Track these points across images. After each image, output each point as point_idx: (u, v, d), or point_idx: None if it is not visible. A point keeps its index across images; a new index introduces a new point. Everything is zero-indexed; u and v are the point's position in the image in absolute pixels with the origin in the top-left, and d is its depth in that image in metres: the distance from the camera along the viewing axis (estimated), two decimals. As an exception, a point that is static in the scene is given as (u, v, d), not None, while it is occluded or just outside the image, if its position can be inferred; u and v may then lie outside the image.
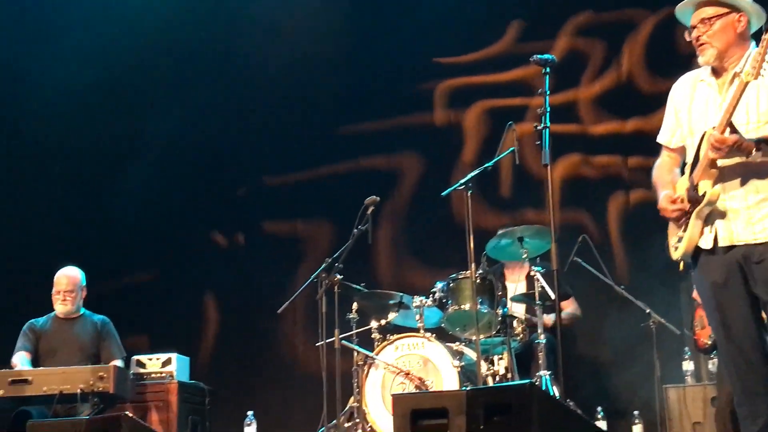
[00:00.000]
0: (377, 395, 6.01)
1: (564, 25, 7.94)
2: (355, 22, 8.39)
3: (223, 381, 7.53)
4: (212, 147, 8.53)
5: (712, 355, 5.95)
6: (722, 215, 3.79)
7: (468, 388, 4.18)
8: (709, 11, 3.88)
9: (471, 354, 6.08)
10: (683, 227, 3.89)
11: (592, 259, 6.48)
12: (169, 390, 6.64)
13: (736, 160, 3.75)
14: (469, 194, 5.67)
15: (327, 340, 6.00)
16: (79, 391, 5.74)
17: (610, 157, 7.75)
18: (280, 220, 8.41)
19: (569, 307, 6.74)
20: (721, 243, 3.79)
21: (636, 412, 6.63)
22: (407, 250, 8.01)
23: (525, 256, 6.24)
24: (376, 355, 6.08)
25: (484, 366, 5.94)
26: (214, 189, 8.50)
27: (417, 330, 6.16)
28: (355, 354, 6.18)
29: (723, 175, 3.78)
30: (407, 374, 5.99)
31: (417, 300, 6.26)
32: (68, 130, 8.56)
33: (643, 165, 7.17)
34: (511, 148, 5.78)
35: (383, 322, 6.35)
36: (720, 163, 3.76)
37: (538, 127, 4.44)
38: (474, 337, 5.84)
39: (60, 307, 6.52)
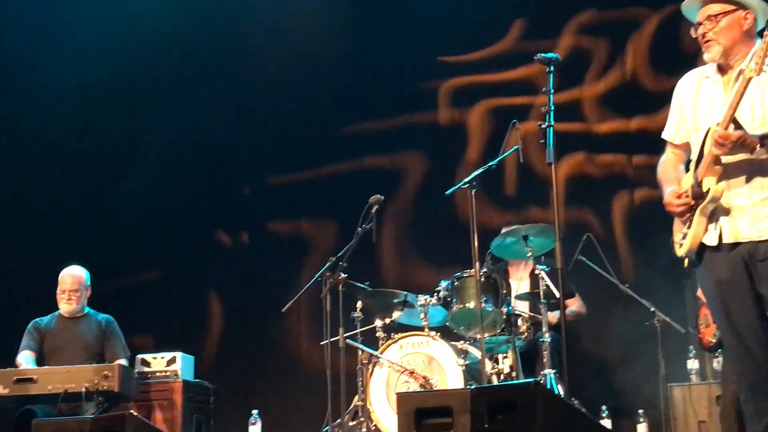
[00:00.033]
0: (382, 394, 6.01)
1: (567, 23, 7.94)
2: (358, 21, 8.40)
3: (228, 380, 7.55)
4: (216, 147, 8.54)
5: (716, 354, 5.94)
6: (726, 212, 3.78)
7: (472, 387, 4.17)
8: (716, 8, 3.87)
9: (475, 352, 6.08)
10: (687, 224, 3.89)
11: (597, 258, 6.47)
12: (174, 389, 6.64)
13: (741, 156, 3.74)
14: (473, 193, 5.67)
15: (331, 339, 6.00)
16: (83, 389, 5.75)
17: (615, 155, 7.74)
18: (284, 220, 8.42)
19: (574, 304, 6.74)
20: (726, 240, 3.78)
21: (641, 411, 6.62)
22: (411, 249, 8.01)
23: (530, 254, 6.24)
24: (381, 353, 6.08)
25: (488, 364, 5.94)
26: (218, 189, 8.52)
27: (421, 329, 6.16)
28: (360, 353, 6.18)
29: (727, 172, 3.78)
30: (412, 373, 5.99)
31: (421, 299, 6.26)
32: (71, 130, 8.58)
33: (647, 163, 7.16)
34: (515, 147, 5.77)
35: (388, 320, 6.36)
36: (724, 159, 3.76)
37: (543, 126, 4.44)
38: (478, 336, 5.84)
39: (65, 307, 6.53)
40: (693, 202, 3.86)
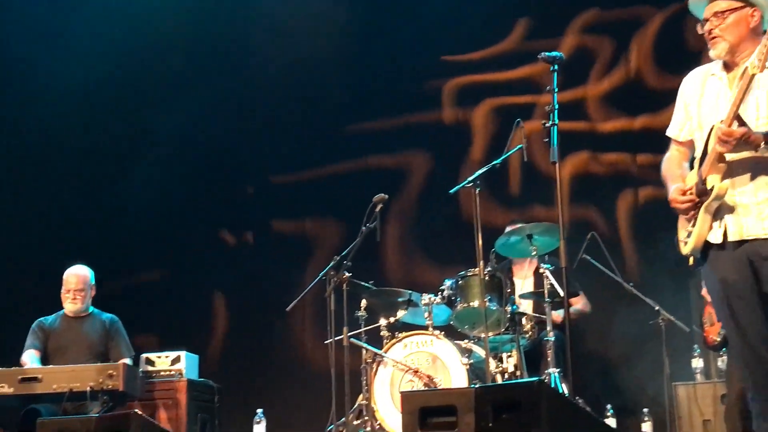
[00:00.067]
0: (386, 393, 6.01)
1: (571, 22, 7.94)
2: (362, 21, 8.40)
3: (232, 379, 7.55)
4: (220, 146, 8.55)
5: (721, 353, 5.94)
6: (731, 210, 3.78)
7: (477, 386, 4.17)
8: (723, 5, 3.87)
9: (480, 351, 6.08)
10: (692, 222, 3.89)
11: (601, 257, 6.47)
12: (178, 388, 6.65)
13: (745, 154, 3.73)
14: (477, 192, 5.67)
15: (336, 338, 6.00)
16: (88, 389, 5.76)
17: (619, 154, 7.74)
18: (289, 219, 8.42)
19: (578, 303, 6.74)
20: (731, 238, 3.78)
21: (645, 410, 6.62)
22: (416, 248, 8.01)
23: (534, 253, 6.24)
24: (385, 352, 6.08)
25: (492, 363, 5.93)
26: (222, 188, 8.52)
27: (426, 327, 6.16)
28: (364, 351, 6.18)
29: (732, 170, 3.77)
30: (416, 372, 5.98)
31: (426, 297, 6.26)
32: (76, 130, 8.59)
33: (652, 162, 7.16)
34: (520, 146, 5.77)
35: (392, 319, 6.35)
36: (728, 157, 3.75)
37: (547, 125, 4.44)
38: (483, 335, 5.84)
39: (70, 306, 6.54)
40: (697, 200, 3.85)
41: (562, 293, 5.63)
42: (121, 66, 8.59)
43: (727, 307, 3.81)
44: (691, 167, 4.02)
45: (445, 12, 8.18)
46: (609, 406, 6.60)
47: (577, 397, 4.92)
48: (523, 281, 6.85)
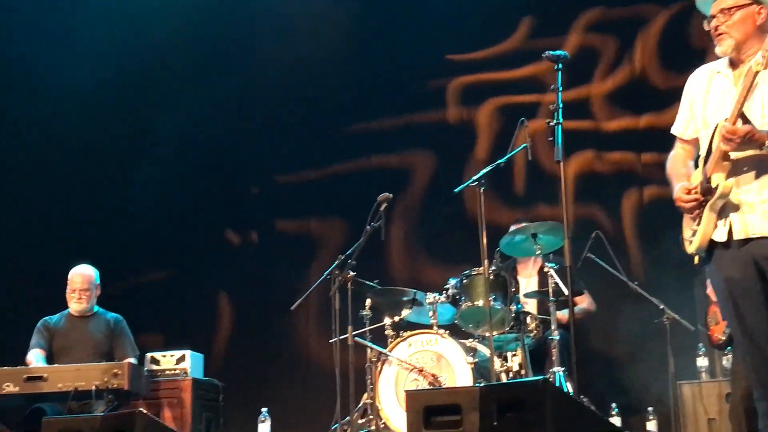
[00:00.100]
0: (391, 392, 6.01)
1: (575, 21, 7.93)
2: (366, 20, 8.40)
3: (237, 378, 7.55)
4: (225, 146, 8.56)
5: (726, 351, 5.93)
6: (736, 208, 3.77)
7: (481, 385, 4.17)
8: (729, 1, 3.87)
9: (484, 350, 6.08)
10: (697, 221, 3.88)
11: (606, 255, 6.47)
12: (183, 387, 6.65)
13: (750, 152, 3.73)
14: (481, 190, 5.66)
15: (340, 337, 6.00)
16: (93, 388, 5.77)
17: (624, 153, 7.73)
18: (293, 219, 8.43)
19: (583, 302, 6.73)
20: (736, 236, 3.77)
21: (650, 409, 6.62)
22: (420, 247, 8.01)
23: (538, 252, 6.24)
24: (390, 351, 6.08)
25: (497, 362, 5.93)
26: (226, 188, 8.53)
27: (430, 326, 6.16)
28: (369, 351, 6.18)
29: (736, 168, 3.76)
30: (420, 371, 5.99)
31: (430, 296, 6.26)
32: (80, 130, 8.60)
33: (656, 161, 7.15)
34: (524, 145, 5.76)
35: (396, 318, 6.36)
36: (733, 155, 3.75)
37: (551, 124, 4.44)
38: (487, 334, 5.84)
39: (75, 306, 6.55)
40: (702, 198, 3.84)
41: (566, 292, 5.63)
42: (125, 66, 8.60)
43: (732, 305, 3.81)
44: (696, 165, 4.01)
45: (448, 11, 8.18)
46: (614, 405, 6.59)
47: (581, 396, 4.93)
48: (527, 280, 6.84)
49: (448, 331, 6.12)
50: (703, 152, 3.93)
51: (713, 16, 3.90)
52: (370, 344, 6.20)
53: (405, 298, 6.44)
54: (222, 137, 8.56)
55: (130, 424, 4.30)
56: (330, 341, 6.14)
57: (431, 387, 5.86)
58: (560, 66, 4.52)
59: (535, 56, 5.18)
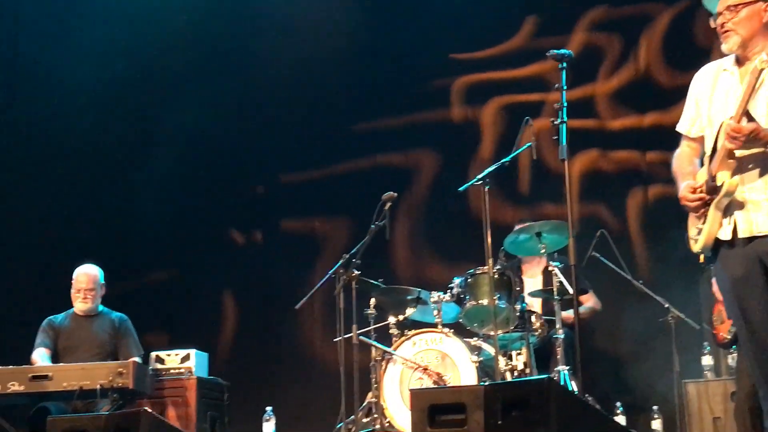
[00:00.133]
0: (395, 390, 6.01)
1: (579, 20, 7.92)
2: (370, 19, 8.40)
3: (242, 376, 7.55)
4: (229, 145, 8.56)
5: (731, 350, 5.92)
6: (741, 206, 3.76)
7: (486, 384, 4.17)
8: None
9: (489, 349, 6.08)
10: (702, 219, 3.87)
11: (611, 254, 6.46)
12: (188, 386, 6.66)
13: (755, 150, 3.72)
14: (486, 189, 5.66)
15: (345, 336, 6.00)
16: (98, 386, 5.78)
17: (629, 152, 7.72)
18: (298, 218, 8.43)
19: (589, 301, 6.73)
20: (741, 234, 3.76)
21: (655, 407, 6.60)
22: (425, 246, 8.01)
23: (543, 251, 6.23)
24: (394, 350, 6.08)
25: (502, 361, 5.93)
26: (231, 187, 8.53)
27: (435, 325, 6.15)
28: (373, 349, 6.18)
29: (741, 166, 3.76)
30: (425, 369, 5.98)
31: (435, 295, 6.26)
32: (86, 129, 8.61)
33: (661, 159, 7.14)
34: (529, 144, 5.76)
35: (401, 317, 6.35)
36: (738, 153, 3.74)
37: (555, 123, 4.44)
38: (492, 333, 5.84)
39: (80, 305, 6.56)
40: (707, 197, 3.84)
41: (571, 291, 5.63)
42: (128, 66, 8.61)
43: (737, 304, 3.80)
44: (702, 164, 4.01)
45: (453, 10, 8.17)
46: (618, 404, 6.58)
47: (586, 395, 4.91)
48: (532, 280, 6.84)
49: (452, 330, 6.12)
50: (708, 150, 3.92)
51: (719, 13, 3.89)
52: (374, 343, 6.19)
53: (409, 297, 6.44)
54: (226, 137, 8.56)
55: (135, 423, 4.30)
56: (334, 340, 6.14)
57: (436, 386, 5.85)
58: (565, 65, 4.52)
59: (540, 55, 5.18)
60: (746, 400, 4.67)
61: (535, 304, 6.60)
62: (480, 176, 5.74)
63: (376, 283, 6.37)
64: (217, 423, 6.81)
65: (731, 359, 6.15)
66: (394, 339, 6.21)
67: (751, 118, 3.67)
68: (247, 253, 8.43)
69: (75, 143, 8.59)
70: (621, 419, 6.45)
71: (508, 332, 6.14)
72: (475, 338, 6.22)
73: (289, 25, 8.45)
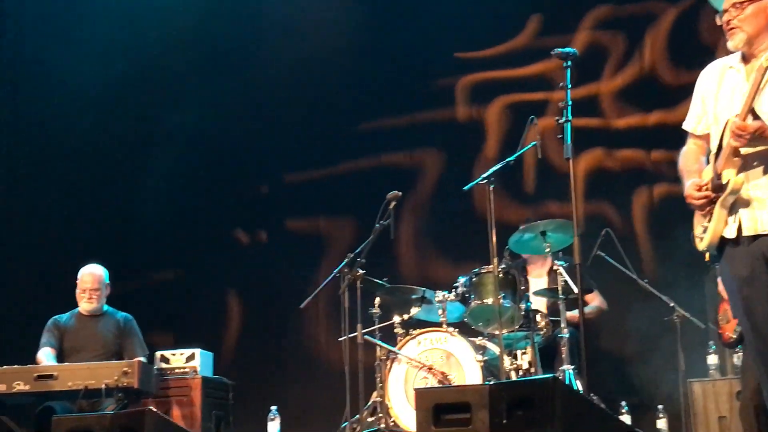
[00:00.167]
0: (400, 390, 6.01)
1: (584, 18, 7.91)
2: (375, 18, 8.40)
3: (247, 376, 7.56)
4: (233, 145, 8.57)
5: (737, 349, 5.91)
6: (746, 204, 3.75)
7: (491, 383, 4.17)
8: None
9: (494, 348, 6.07)
10: (708, 217, 3.86)
11: (616, 253, 6.45)
12: (193, 385, 6.66)
13: (760, 148, 3.71)
14: (491, 188, 5.66)
15: (350, 335, 6.00)
16: (103, 386, 5.79)
17: (634, 150, 7.71)
18: (302, 218, 8.43)
19: (594, 300, 6.72)
20: (746, 232, 3.75)
21: (660, 407, 6.60)
22: (429, 245, 8.01)
23: (548, 250, 6.22)
24: (399, 349, 6.08)
25: (507, 360, 5.93)
26: (236, 187, 8.54)
27: (440, 324, 6.15)
28: (378, 349, 6.17)
29: (747, 164, 3.74)
30: (430, 369, 5.98)
31: (439, 294, 6.25)
32: (90, 129, 8.62)
33: (666, 158, 7.14)
34: (533, 143, 5.75)
35: (406, 316, 6.35)
36: (743, 151, 3.73)
37: (560, 121, 4.43)
38: (497, 332, 5.83)
39: (85, 306, 6.57)
40: (713, 195, 3.83)
41: (575, 290, 5.63)
42: (132, 66, 8.62)
43: (742, 302, 3.79)
44: (708, 161, 3.99)
45: (457, 9, 8.17)
46: (624, 403, 6.57)
47: (591, 394, 4.91)
48: (538, 279, 6.83)
49: (457, 329, 6.11)
50: (714, 148, 3.91)
51: (725, 11, 3.88)
52: (379, 342, 6.19)
53: (414, 296, 6.44)
54: (231, 137, 8.57)
55: (140, 423, 4.31)
56: (339, 339, 6.14)
57: (441, 385, 5.85)
58: (569, 63, 4.52)
59: (544, 54, 5.17)
60: (752, 399, 4.65)
61: (541, 304, 6.59)
62: (485, 175, 5.74)
63: (380, 282, 6.37)
64: (221, 422, 6.82)
65: (736, 358, 6.14)
66: (398, 338, 6.21)
67: (756, 116, 3.66)
68: (252, 252, 8.44)
69: (79, 143, 8.60)
70: (626, 418, 6.43)
71: (513, 331, 6.13)
72: (480, 337, 6.22)
73: (292, 25, 8.46)
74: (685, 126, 4.12)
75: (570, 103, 4.45)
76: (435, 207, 8.06)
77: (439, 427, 3.66)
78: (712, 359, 6.41)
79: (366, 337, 6.08)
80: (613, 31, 7.86)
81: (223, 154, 8.58)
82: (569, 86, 4.50)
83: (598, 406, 4.68)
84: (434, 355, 6.03)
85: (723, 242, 3.84)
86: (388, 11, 8.40)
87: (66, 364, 6.18)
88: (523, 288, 6.32)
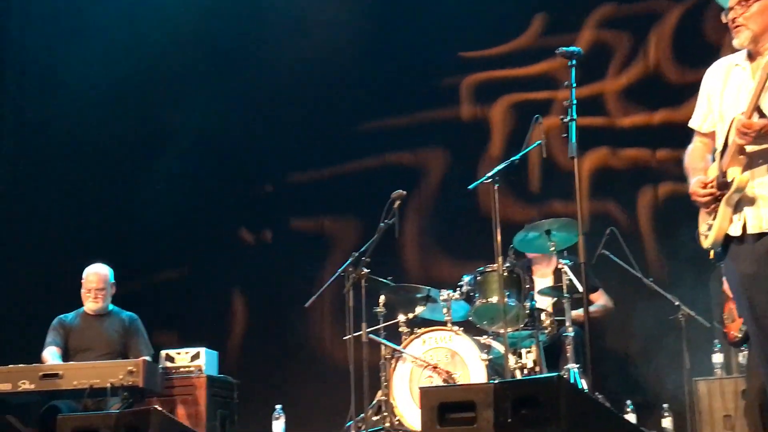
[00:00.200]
0: (405, 389, 6.01)
1: (589, 17, 7.89)
2: (379, 17, 8.40)
3: (252, 375, 7.56)
4: (238, 145, 8.57)
5: (742, 348, 5.90)
6: (751, 202, 3.74)
7: (496, 382, 4.16)
8: None
9: (499, 347, 6.08)
10: (713, 215, 3.86)
11: (621, 252, 6.45)
12: (198, 384, 6.67)
13: (766, 146, 3.70)
14: (496, 187, 5.66)
15: (354, 334, 6.00)
16: (109, 385, 5.80)
17: (639, 149, 7.69)
18: (307, 217, 8.43)
19: (600, 299, 6.72)
20: (750, 230, 3.74)
21: (665, 405, 6.59)
22: (434, 244, 8.00)
23: (552, 249, 6.22)
24: (404, 348, 6.08)
25: (512, 359, 5.93)
26: (240, 186, 8.55)
27: (444, 323, 6.16)
28: (383, 348, 6.18)
29: (752, 162, 3.74)
30: (435, 367, 5.98)
31: (444, 293, 6.26)
32: (95, 127, 8.63)
33: (671, 157, 7.13)
34: (538, 142, 5.75)
35: (410, 315, 6.36)
36: (749, 149, 3.72)
37: (565, 120, 4.43)
38: (501, 331, 5.83)
39: (90, 305, 6.58)
40: (718, 193, 3.82)
41: (580, 288, 5.62)
42: (138, 65, 8.63)
43: (747, 302, 3.78)
44: (714, 159, 3.99)
45: (461, 8, 8.16)
46: (629, 402, 6.57)
47: (596, 393, 4.91)
48: (543, 278, 6.83)
49: (462, 328, 6.12)
50: (719, 146, 3.90)
51: (731, 8, 3.87)
52: (384, 341, 6.20)
53: (419, 295, 6.45)
54: (235, 136, 8.58)
55: (145, 422, 4.31)
56: (344, 338, 6.15)
57: (445, 384, 5.85)
58: (574, 62, 4.52)
59: (549, 53, 5.16)
60: (757, 398, 4.64)
61: (546, 303, 6.58)
62: (489, 174, 5.74)
63: (385, 281, 6.38)
64: (226, 421, 6.82)
65: (742, 357, 6.13)
66: (403, 337, 6.22)
67: (762, 114, 3.65)
68: (257, 251, 8.44)
69: (82, 143, 8.61)
70: (631, 417, 6.43)
71: (517, 330, 6.14)
72: (485, 336, 6.22)
73: (297, 25, 8.46)
74: (690, 124, 4.11)
75: (575, 102, 4.45)
76: (439, 206, 8.06)
77: (444, 425, 3.66)
78: (718, 358, 6.41)
79: (371, 335, 6.08)
80: (617, 30, 7.84)
81: (227, 153, 8.58)
82: (574, 85, 4.50)
83: (603, 404, 4.67)
84: (439, 353, 6.04)
85: (728, 240, 3.83)
86: (392, 10, 8.40)
87: (71, 363, 6.20)
88: (527, 287, 6.32)
